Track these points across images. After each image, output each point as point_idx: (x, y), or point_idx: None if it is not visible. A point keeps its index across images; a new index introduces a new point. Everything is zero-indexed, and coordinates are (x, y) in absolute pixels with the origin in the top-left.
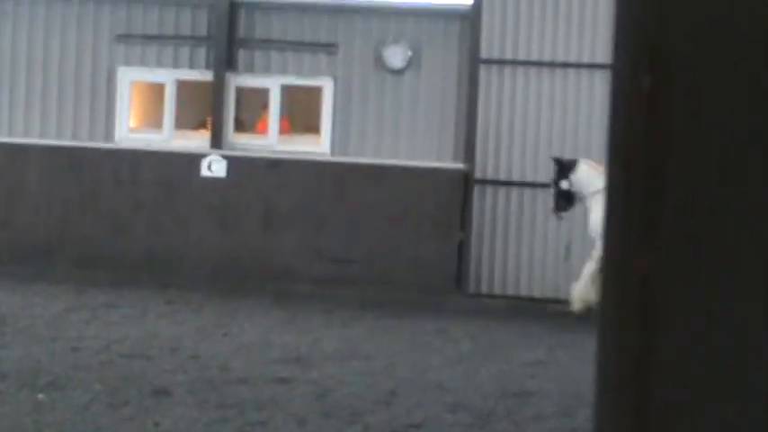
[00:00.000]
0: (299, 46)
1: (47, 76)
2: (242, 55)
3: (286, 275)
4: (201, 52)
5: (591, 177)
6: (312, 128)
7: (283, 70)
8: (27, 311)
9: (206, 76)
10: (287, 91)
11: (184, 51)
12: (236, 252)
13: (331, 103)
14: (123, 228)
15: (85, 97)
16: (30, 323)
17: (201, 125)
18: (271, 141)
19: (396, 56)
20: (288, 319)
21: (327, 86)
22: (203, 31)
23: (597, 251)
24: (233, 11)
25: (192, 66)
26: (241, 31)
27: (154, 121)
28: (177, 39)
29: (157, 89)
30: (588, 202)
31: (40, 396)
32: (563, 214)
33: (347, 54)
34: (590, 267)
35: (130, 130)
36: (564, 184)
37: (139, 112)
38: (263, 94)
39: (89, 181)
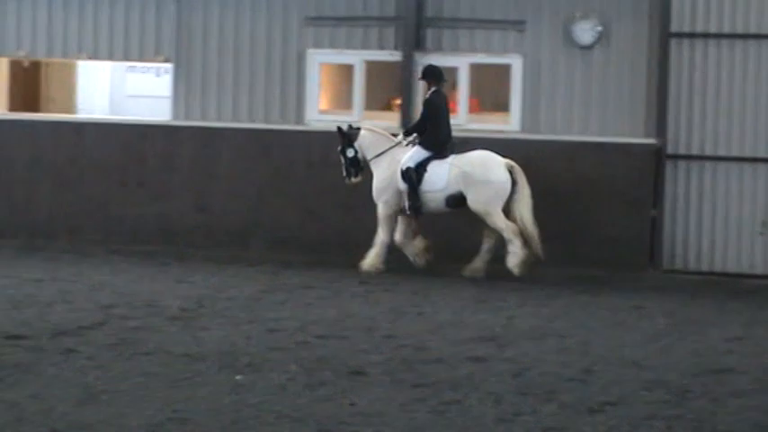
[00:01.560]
0: (487, 24)
1: (238, 59)
2: (430, 34)
3: (477, 254)
4: (390, 33)
5: (373, 141)
6: (501, 106)
7: (472, 49)
8: (223, 294)
9: (394, 56)
10: (475, 69)
11: (373, 32)
12: (427, 231)
13: (520, 80)
14: (315, 209)
15: (276, 80)
16: (226, 305)
17: (387, 106)
18: (460, 120)
19: (585, 32)
20: (481, 297)
21: (516, 64)
22: (391, 12)
23: (379, 215)
24: None
25: (380, 46)
26: (429, 11)
27: (343, 102)
28: (366, 20)
29: (346, 70)
30: (371, 166)
31: (239, 377)
32: (354, 179)
33: (536, 31)
34: (380, 234)
35: (320, 111)
36: (350, 152)
37: (329, 93)
38: (451, 73)
39: (281, 163)
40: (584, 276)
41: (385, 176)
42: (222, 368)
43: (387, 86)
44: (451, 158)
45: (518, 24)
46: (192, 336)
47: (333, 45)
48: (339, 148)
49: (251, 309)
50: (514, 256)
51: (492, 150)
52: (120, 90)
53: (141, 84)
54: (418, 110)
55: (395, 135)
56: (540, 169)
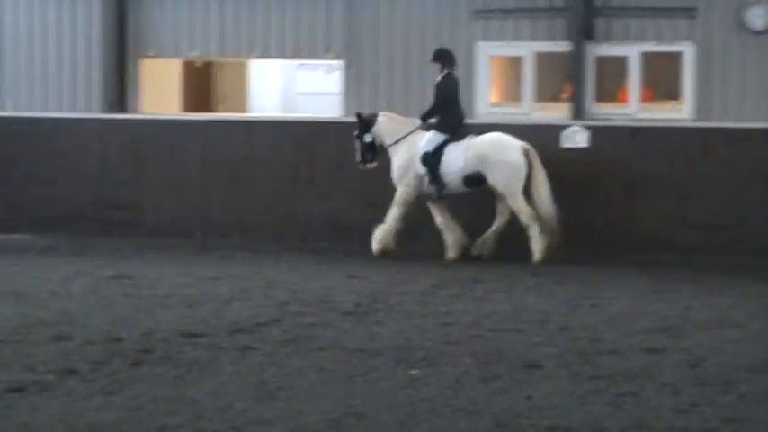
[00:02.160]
0: (657, 12)
1: (407, 54)
2: (600, 24)
3: (651, 244)
4: (559, 23)
5: (391, 129)
6: (673, 94)
7: (642, 37)
8: (396, 288)
9: (564, 47)
10: (646, 58)
11: (542, 23)
12: (599, 222)
13: (692, 68)
14: (486, 202)
15: None
16: (400, 300)
17: (557, 97)
18: (632, 109)
19: (757, 17)
20: (655, 288)
21: (688, 52)
22: (560, 2)
23: (398, 196)
24: None
25: (549, 37)
26: (598, 0)
27: (513, 94)
28: (534, 11)
29: (516, 62)
30: (389, 152)
31: (414, 372)
32: (369, 165)
33: (707, 18)
34: (393, 212)
35: (491, 104)
36: (367, 138)
37: (499, 86)
38: (622, 63)
39: None
40: (759, 265)
41: (403, 161)
42: (397, 363)
43: (556, 78)
44: (467, 140)
45: (689, 11)
46: (366, 331)
47: (502, 37)
48: (355, 133)
49: (424, 303)
50: (536, 242)
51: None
52: (290, 88)
53: (312, 81)
54: (587, 101)
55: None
56: (713, 157)
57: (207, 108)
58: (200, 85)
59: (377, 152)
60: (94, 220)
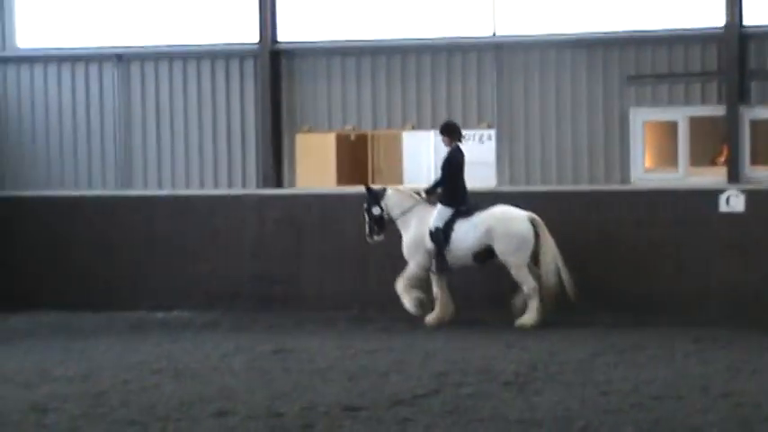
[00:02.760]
0: None
1: (560, 122)
2: (754, 87)
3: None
4: (712, 87)
5: (398, 200)
6: None
7: None
8: (556, 357)
9: (718, 110)
10: None
11: (695, 87)
12: (759, 286)
13: None
14: (644, 267)
15: (599, 140)
16: (558, 369)
17: (712, 161)
18: None
19: None
20: None
21: None
22: (713, 66)
23: (409, 269)
24: (743, 43)
25: (703, 101)
26: (752, 63)
27: (668, 159)
28: (687, 76)
29: (670, 127)
30: (398, 225)
31: None
32: (376, 238)
33: None
34: (400, 284)
35: (646, 170)
36: (375, 211)
37: (653, 151)
38: None
39: (609, 223)
40: None
41: (414, 237)
42: None
43: (711, 141)
44: (476, 216)
45: None
46: (525, 401)
47: (655, 102)
48: (365, 206)
49: (583, 371)
50: (529, 316)
51: None
52: None
53: (465, 151)
54: (743, 164)
55: (418, 194)
56: None
57: (362, 180)
58: (355, 157)
59: (385, 225)
60: (253, 295)
